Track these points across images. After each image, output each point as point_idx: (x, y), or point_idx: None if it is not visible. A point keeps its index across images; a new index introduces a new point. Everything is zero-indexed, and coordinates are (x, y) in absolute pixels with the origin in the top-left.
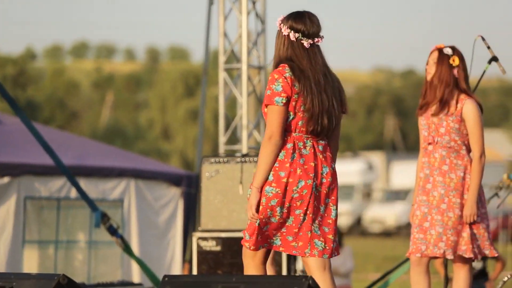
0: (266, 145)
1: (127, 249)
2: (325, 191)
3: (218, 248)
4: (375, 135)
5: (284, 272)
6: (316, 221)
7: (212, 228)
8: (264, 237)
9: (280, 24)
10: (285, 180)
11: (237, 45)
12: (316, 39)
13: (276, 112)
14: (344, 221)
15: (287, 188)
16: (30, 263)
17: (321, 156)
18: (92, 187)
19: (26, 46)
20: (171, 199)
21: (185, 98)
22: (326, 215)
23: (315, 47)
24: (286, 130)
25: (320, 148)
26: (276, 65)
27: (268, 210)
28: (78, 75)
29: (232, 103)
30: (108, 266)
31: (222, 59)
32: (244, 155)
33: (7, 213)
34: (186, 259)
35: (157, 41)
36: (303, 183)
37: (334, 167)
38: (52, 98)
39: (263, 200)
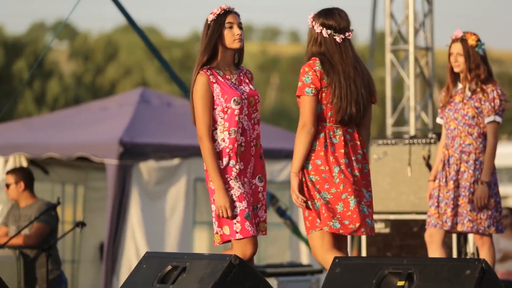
0: (299, 133)
1: (295, 230)
2: (359, 176)
3: (387, 230)
4: None
5: (455, 254)
6: (362, 202)
7: (381, 210)
8: (323, 219)
9: (312, 22)
10: (322, 167)
11: (404, 26)
12: (347, 34)
13: (307, 102)
14: None
15: (327, 175)
16: (200, 243)
17: (350, 144)
18: None
19: (192, 29)
20: None
21: None
22: (364, 197)
23: (346, 41)
24: (319, 120)
25: (348, 137)
26: (309, 60)
27: (316, 192)
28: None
29: (398, 85)
30: (277, 247)
31: (388, 40)
32: (412, 137)
33: (178, 194)
34: (355, 242)
35: None
36: (338, 168)
37: (364, 152)
38: None
39: (309, 184)
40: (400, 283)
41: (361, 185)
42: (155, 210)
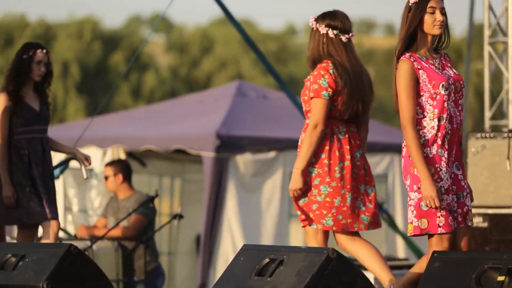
0: (311, 133)
1: (392, 224)
2: (361, 172)
3: (485, 225)
4: None
5: None
6: (359, 199)
7: (479, 204)
8: (316, 216)
9: (315, 25)
10: (326, 161)
11: (503, 19)
12: (350, 34)
13: (322, 104)
14: None
15: (330, 168)
16: (296, 236)
17: (352, 141)
18: None
19: (286, 22)
20: None
21: None
22: (366, 193)
23: (351, 41)
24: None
25: (351, 134)
26: (314, 62)
27: (313, 189)
28: None
29: (496, 78)
30: (373, 241)
31: (487, 33)
32: (511, 131)
33: (274, 187)
34: None
35: None
36: (341, 164)
37: (363, 152)
38: None
39: (308, 179)
40: (501, 278)
41: (362, 181)
42: (251, 202)
